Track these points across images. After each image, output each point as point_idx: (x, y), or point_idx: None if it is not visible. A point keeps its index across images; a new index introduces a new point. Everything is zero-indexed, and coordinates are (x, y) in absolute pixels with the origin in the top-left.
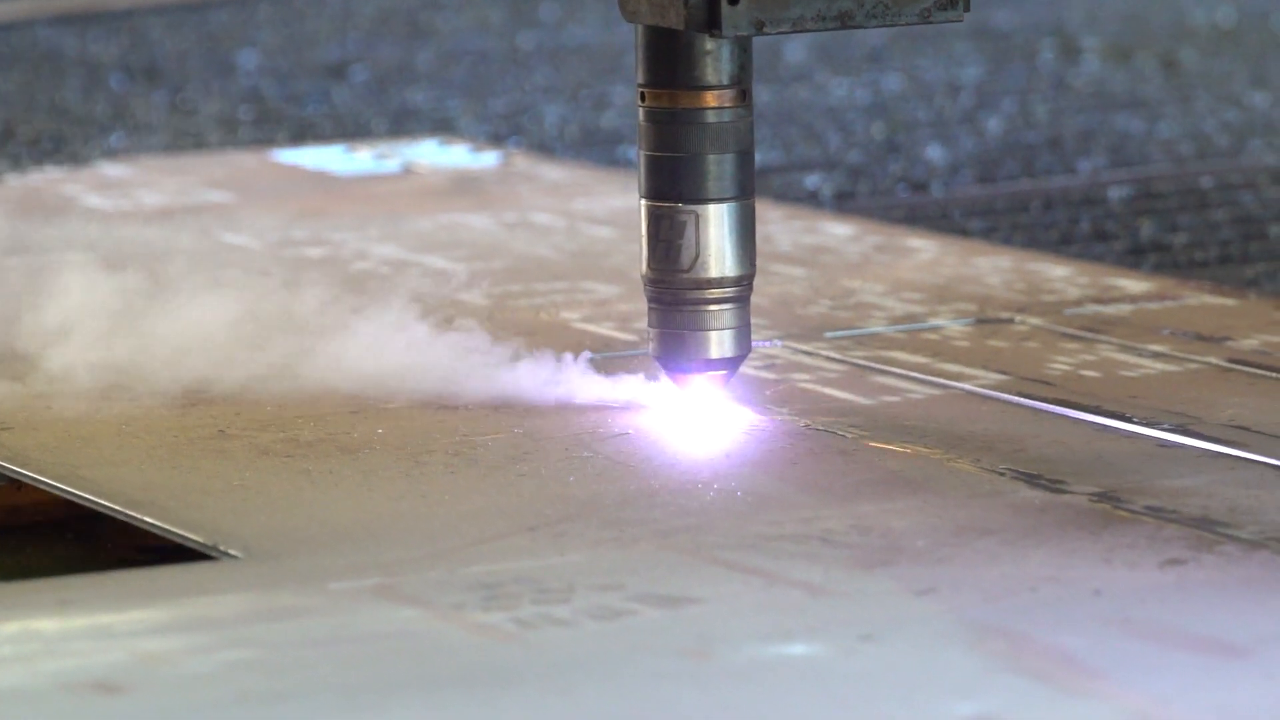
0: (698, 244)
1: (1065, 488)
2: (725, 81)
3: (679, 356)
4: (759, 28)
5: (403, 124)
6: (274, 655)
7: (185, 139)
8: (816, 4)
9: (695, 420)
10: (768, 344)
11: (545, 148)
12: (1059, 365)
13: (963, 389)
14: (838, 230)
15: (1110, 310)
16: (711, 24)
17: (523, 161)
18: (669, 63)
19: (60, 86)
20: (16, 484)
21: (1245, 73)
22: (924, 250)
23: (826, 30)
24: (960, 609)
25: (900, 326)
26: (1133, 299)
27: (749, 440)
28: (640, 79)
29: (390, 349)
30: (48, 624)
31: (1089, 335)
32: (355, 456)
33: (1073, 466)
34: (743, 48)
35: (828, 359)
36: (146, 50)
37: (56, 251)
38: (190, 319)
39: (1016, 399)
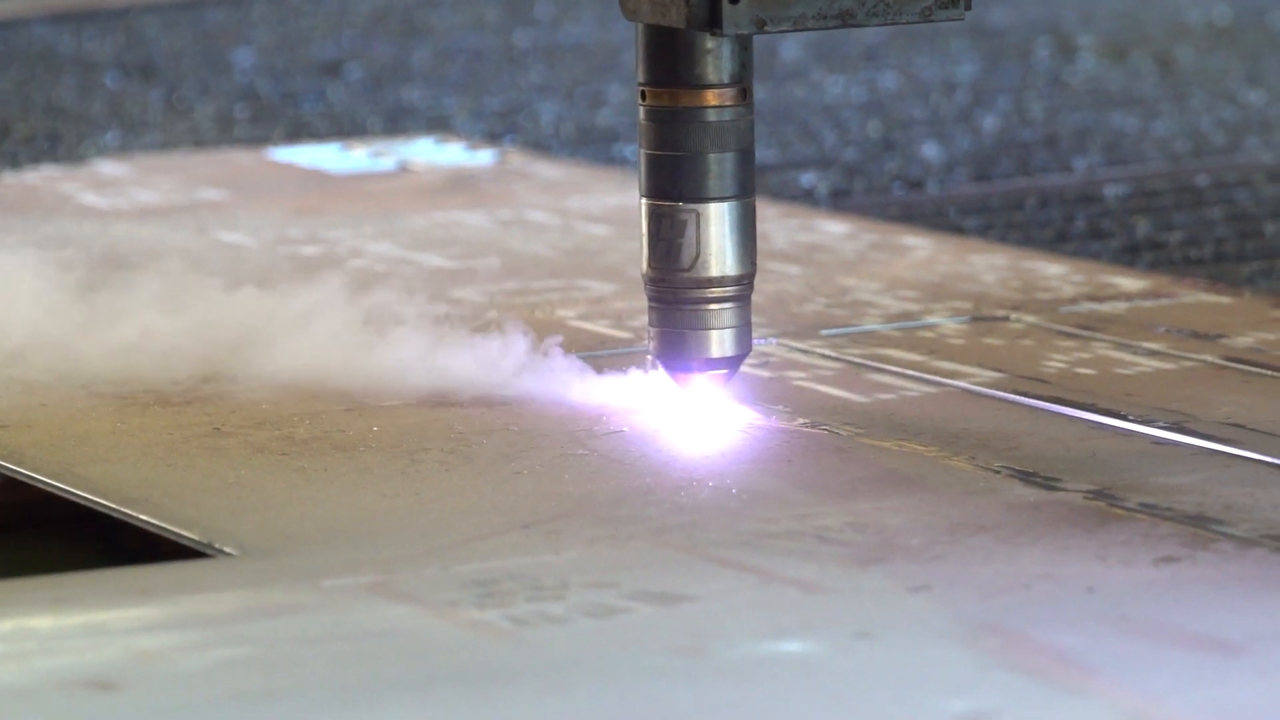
0: (698, 243)
1: (1060, 485)
2: (726, 80)
3: (679, 355)
4: (760, 26)
5: (398, 122)
6: (269, 652)
7: (181, 137)
8: (818, 3)
9: (690, 418)
10: (762, 342)
11: (541, 146)
12: (1054, 363)
13: (958, 387)
14: (833, 228)
15: (1105, 308)
16: (712, 22)
17: (518, 159)
18: (670, 61)
19: (56, 85)
20: (11, 481)
21: (1241, 71)
22: (919, 248)
23: (828, 29)
24: (955, 606)
25: (895, 324)
26: (1128, 297)
27: (744, 438)
28: (640, 78)
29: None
30: (42, 621)
31: (1084, 333)
32: (350, 454)
33: (1068, 464)
34: (743, 46)
35: (823, 357)
36: (142, 48)
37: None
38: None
39: (1011, 397)
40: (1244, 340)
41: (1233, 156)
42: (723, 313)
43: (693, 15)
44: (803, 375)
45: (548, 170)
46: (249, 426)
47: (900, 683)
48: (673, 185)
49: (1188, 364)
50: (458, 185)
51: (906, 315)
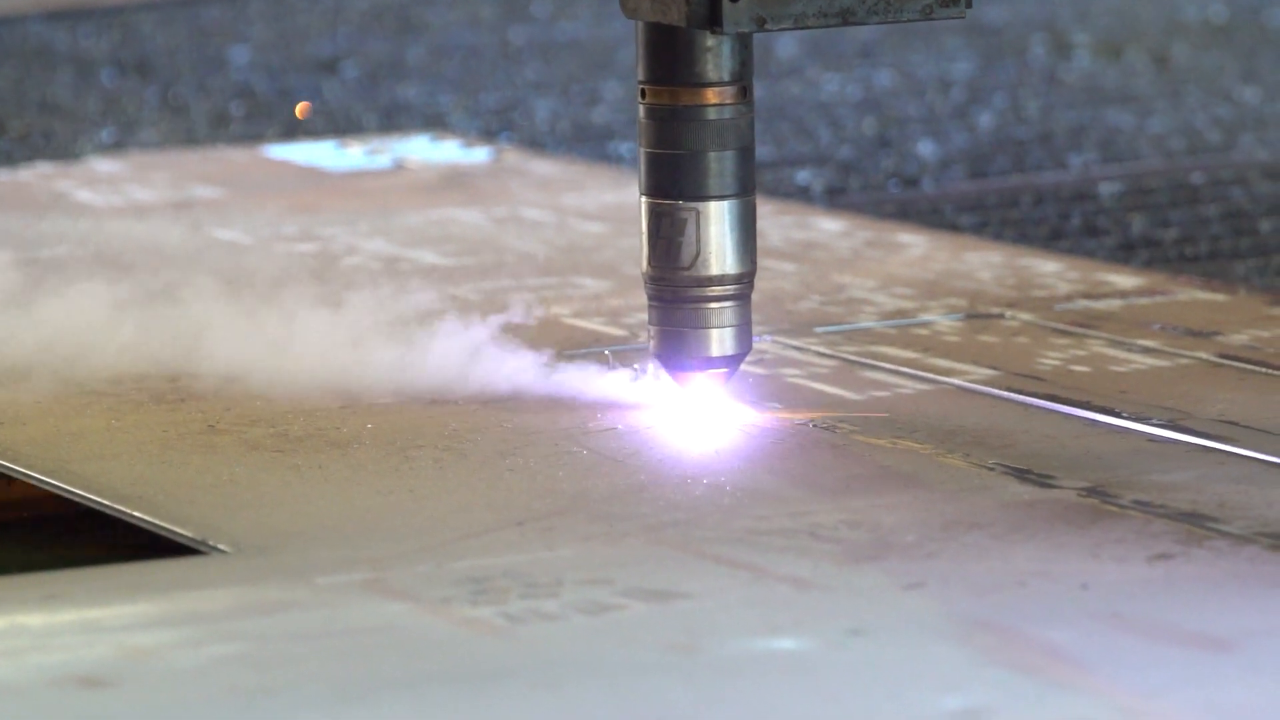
0: (698, 241)
1: (1054, 482)
2: (726, 78)
3: (679, 354)
4: (760, 24)
5: (394, 119)
6: (262, 649)
7: (177, 134)
8: (818, 0)
9: (685, 416)
10: (757, 339)
11: (536, 143)
12: (1049, 360)
13: (953, 384)
14: (828, 225)
15: (1100, 305)
16: (713, 20)
17: (514, 156)
18: (670, 60)
19: (51, 82)
20: (6, 479)
21: (1236, 68)
22: (915, 245)
23: (828, 27)
24: (949, 603)
25: (890, 322)
26: (1123, 294)
27: (738, 435)
28: (640, 76)
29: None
30: (35, 619)
31: (1079, 330)
32: (344, 451)
33: (1062, 461)
34: (743, 44)
35: (818, 354)
36: (138, 46)
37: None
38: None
39: (1006, 394)
40: (1239, 338)
41: (1228, 154)
42: (723, 311)
43: (693, 13)
44: (797, 373)
45: (543, 167)
46: (243, 424)
47: (894, 680)
48: (673, 183)
49: (1182, 361)
50: (453, 182)
51: (901, 312)
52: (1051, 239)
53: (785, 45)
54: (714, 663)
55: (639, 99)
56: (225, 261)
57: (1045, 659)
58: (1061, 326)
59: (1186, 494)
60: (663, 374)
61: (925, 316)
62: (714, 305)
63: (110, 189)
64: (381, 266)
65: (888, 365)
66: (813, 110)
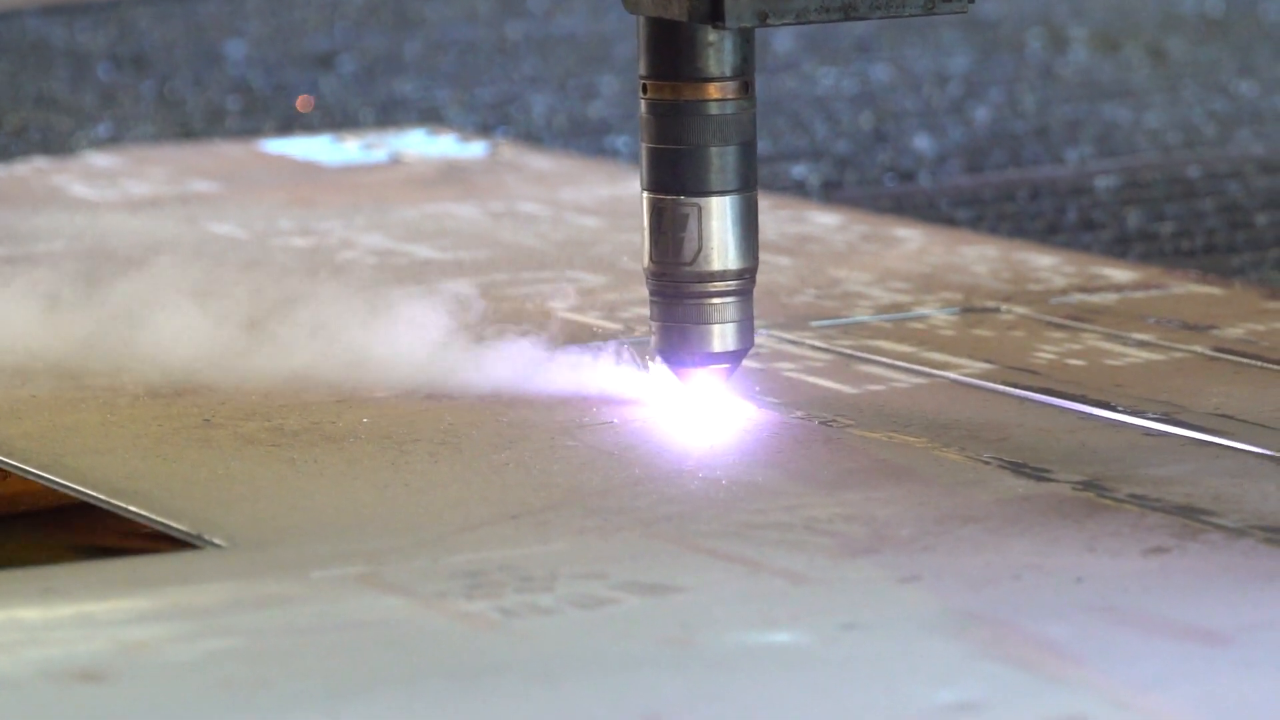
0: (700, 237)
1: (1049, 476)
2: (728, 73)
3: (681, 350)
4: (762, 19)
5: (390, 114)
6: (257, 643)
7: (173, 129)
8: None
9: (681, 410)
10: None
11: (533, 137)
12: (1044, 354)
13: (948, 378)
14: (824, 219)
15: (1096, 299)
16: (714, 15)
17: (510, 151)
18: (671, 54)
19: (47, 76)
20: (1, 472)
21: (1233, 62)
22: (910, 239)
23: (830, 21)
24: (943, 597)
25: (886, 315)
26: (1119, 288)
27: (734, 429)
28: (642, 71)
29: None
30: (31, 613)
31: (1075, 324)
32: (340, 445)
33: (1057, 455)
34: (745, 39)
35: (813, 348)
36: (134, 40)
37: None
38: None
39: (1002, 388)
40: (1234, 331)
41: (1224, 148)
42: (724, 307)
43: (695, 8)
44: (793, 366)
45: (539, 162)
46: (238, 418)
47: (888, 673)
48: (674, 179)
49: (1178, 355)
50: (449, 177)
51: (897, 306)
52: (1047, 233)
53: (781, 39)
54: (709, 656)
55: (640, 94)
56: (212, 253)
57: (1040, 652)
58: (1057, 320)
59: (1182, 487)
60: (662, 368)
61: (921, 310)
62: (716, 301)
63: (106, 183)
64: (377, 260)
65: (883, 359)
66: (809, 104)
